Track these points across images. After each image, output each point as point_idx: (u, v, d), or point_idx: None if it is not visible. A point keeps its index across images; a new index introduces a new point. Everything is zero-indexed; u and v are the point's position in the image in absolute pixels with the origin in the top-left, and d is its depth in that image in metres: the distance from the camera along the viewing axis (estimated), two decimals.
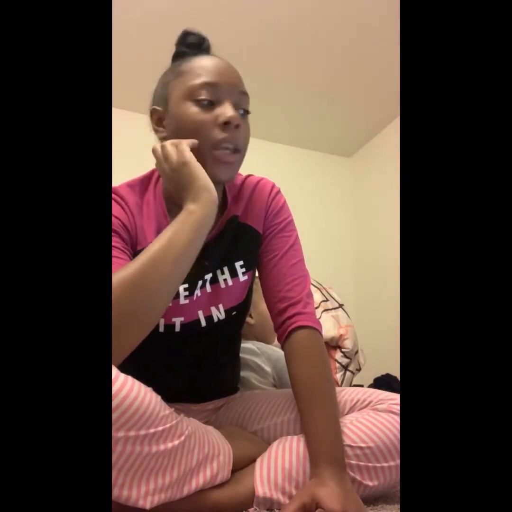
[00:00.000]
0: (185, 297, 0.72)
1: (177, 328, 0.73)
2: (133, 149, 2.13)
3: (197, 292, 0.73)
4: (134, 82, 1.98)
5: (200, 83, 0.67)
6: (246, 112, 0.72)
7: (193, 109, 0.67)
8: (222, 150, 0.67)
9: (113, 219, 0.67)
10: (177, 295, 0.71)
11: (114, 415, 0.48)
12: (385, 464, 0.62)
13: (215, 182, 0.66)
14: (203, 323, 0.75)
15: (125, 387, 0.50)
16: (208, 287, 0.75)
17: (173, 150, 0.65)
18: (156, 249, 0.57)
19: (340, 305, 1.74)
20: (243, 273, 0.77)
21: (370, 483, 0.62)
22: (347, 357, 1.61)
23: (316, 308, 1.63)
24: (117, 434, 0.49)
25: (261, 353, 1.03)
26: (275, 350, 1.10)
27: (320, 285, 1.77)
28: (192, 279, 0.71)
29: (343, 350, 1.60)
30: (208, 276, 0.74)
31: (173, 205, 0.72)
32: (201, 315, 0.75)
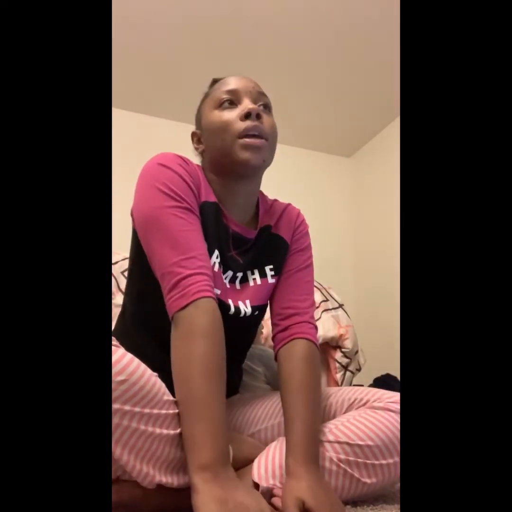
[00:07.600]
0: (218, 269, 0.76)
1: None
2: (133, 149, 2.13)
3: (226, 282, 0.78)
4: (134, 82, 1.99)
5: (221, 91, 0.77)
6: (267, 107, 0.79)
7: (218, 113, 0.76)
8: (248, 138, 0.73)
9: (185, 178, 0.72)
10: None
11: (122, 387, 0.51)
12: (383, 462, 0.63)
13: (250, 170, 0.74)
14: (232, 309, 0.76)
15: (131, 364, 0.53)
16: (237, 285, 0.80)
17: None
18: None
19: (340, 305, 1.73)
20: (272, 276, 0.83)
21: (368, 481, 0.63)
22: (347, 357, 1.60)
23: (316, 308, 1.63)
24: (124, 407, 0.51)
25: (252, 356, 1.05)
26: (264, 349, 1.12)
27: (320, 285, 1.77)
28: (224, 262, 0.77)
29: (343, 350, 1.60)
30: (239, 275, 0.80)
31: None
32: (231, 302, 0.77)
